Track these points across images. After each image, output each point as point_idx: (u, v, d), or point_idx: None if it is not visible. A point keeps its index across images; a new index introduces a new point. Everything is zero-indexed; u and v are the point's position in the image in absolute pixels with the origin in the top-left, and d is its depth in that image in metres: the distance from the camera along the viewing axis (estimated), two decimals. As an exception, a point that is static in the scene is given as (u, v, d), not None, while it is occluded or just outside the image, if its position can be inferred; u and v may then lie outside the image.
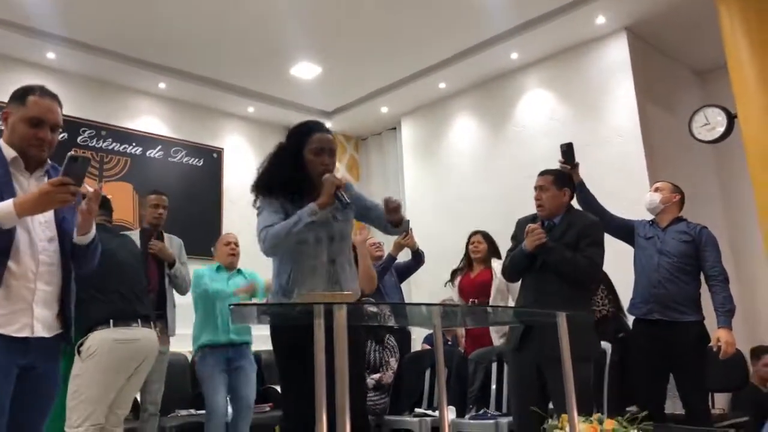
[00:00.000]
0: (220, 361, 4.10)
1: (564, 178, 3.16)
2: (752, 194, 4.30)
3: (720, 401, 5.02)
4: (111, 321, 2.89)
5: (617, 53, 5.68)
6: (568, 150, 3.45)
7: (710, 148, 5.59)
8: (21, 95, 1.97)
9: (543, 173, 3.16)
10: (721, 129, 4.55)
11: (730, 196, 6.15)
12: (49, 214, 1.99)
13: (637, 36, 5.72)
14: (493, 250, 4.70)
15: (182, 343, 4.65)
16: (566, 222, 3.04)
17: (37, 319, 1.89)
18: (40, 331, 1.90)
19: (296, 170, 2.51)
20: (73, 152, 1.84)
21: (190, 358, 5.25)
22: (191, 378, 5.06)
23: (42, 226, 1.96)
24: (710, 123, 4.60)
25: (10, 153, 1.95)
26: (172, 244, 4.30)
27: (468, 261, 4.80)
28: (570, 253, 2.92)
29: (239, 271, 4.40)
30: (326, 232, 2.47)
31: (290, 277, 2.44)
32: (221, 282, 4.26)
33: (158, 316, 3.99)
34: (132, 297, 3.09)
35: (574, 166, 3.45)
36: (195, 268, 4.37)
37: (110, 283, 2.96)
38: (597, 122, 5.74)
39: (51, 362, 1.99)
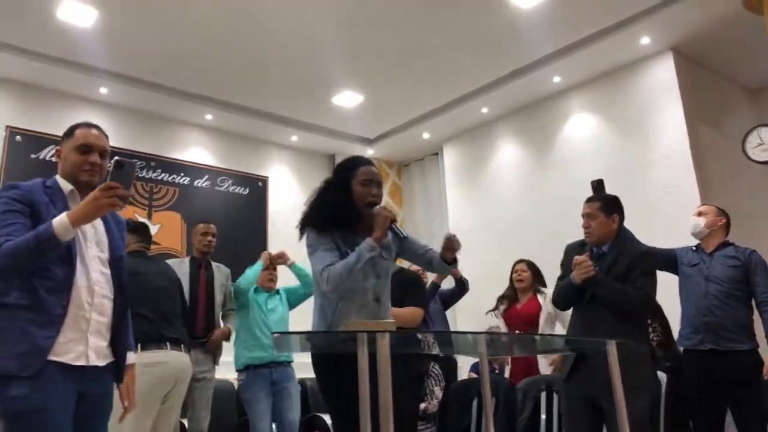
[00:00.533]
0: (265, 384, 4.08)
1: (612, 203, 3.01)
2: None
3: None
4: (138, 345, 2.89)
5: (664, 73, 5.57)
6: (598, 186, 3.38)
7: (765, 168, 5.40)
8: (69, 131, 2.12)
9: (590, 200, 3.04)
10: (777, 148, 4.41)
11: (788, 217, 5.91)
12: (105, 251, 2.06)
13: (683, 55, 5.61)
14: (538, 279, 4.59)
15: (228, 369, 4.67)
16: (616, 251, 2.92)
17: (92, 348, 1.94)
18: (95, 360, 1.95)
19: (345, 203, 2.50)
20: (118, 157, 1.89)
21: (236, 384, 5.28)
22: (237, 405, 5.08)
23: (95, 260, 2.02)
24: (765, 143, 4.46)
25: (67, 186, 2.04)
26: (221, 272, 4.36)
27: (513, 290, 4.69)
28: (620, 285, 2.81)
29: (277, 292, 4.40)
30: (373, 270, 2.46)
31: (335, 313, 2.42)
32: (260, 300, 4.25)
33: (206, 342, 4.05)
34: (158, 319, 3.11)
35: None
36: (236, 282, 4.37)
37: (136, 308, 2.98)
38: (645, 144, 5.62)
39: (105, 389, 2.04)
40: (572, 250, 3.05)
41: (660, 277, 3.24)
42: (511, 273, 4.70)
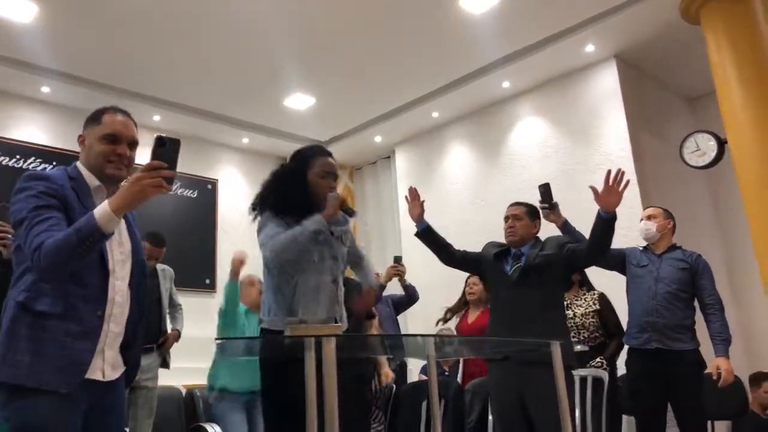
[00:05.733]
0: (238, 402, 3.83)
1: (536, 210, 3.28)
2: (747, 219, 4.30)
3: (720, 429, 4.96)
4: None
5: (607, 80, 5.73)
6: (545, 190, 3.41)
7: (703, 174, 5.61)
8: (95, 116, 1.91)
9: (516, 204, 3.29)
10: (712, 154, 4.58)
11: (725, 221, 6.14)
12: (126, 252, 1.89)
13: (626, 63, 5.79)
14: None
15: (178, 376, 4.57)
16: (538, 245, 3.15)
17: (108, 362, 1.81)
18: (110, 375, 1.82)
19: (302, 192, 2.53)
20: (160, 134, 1.70)
21: (184, 392, 5.17)
22: (185, 413, 4.98)
23: (119, 264, 1.86)
24: (701, 149, 4.63)
25: (93, 181, 1.86)
26: (165, 275, 4.27)
27: (465, 303, 4.76)
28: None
29: None
30: (329, 252, 2.51)
31: (295, 292, 2.43)
32: (252, 328, 3.91)
33: (152, 349, 3.95)
34: None
35: (553, 206, 3.38)
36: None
37: None
38: (589, 149, 5.77)
39: (118, 397, 1.89)
40: (491, 246, 3.35)
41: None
42: (464, 285, 4.77)
